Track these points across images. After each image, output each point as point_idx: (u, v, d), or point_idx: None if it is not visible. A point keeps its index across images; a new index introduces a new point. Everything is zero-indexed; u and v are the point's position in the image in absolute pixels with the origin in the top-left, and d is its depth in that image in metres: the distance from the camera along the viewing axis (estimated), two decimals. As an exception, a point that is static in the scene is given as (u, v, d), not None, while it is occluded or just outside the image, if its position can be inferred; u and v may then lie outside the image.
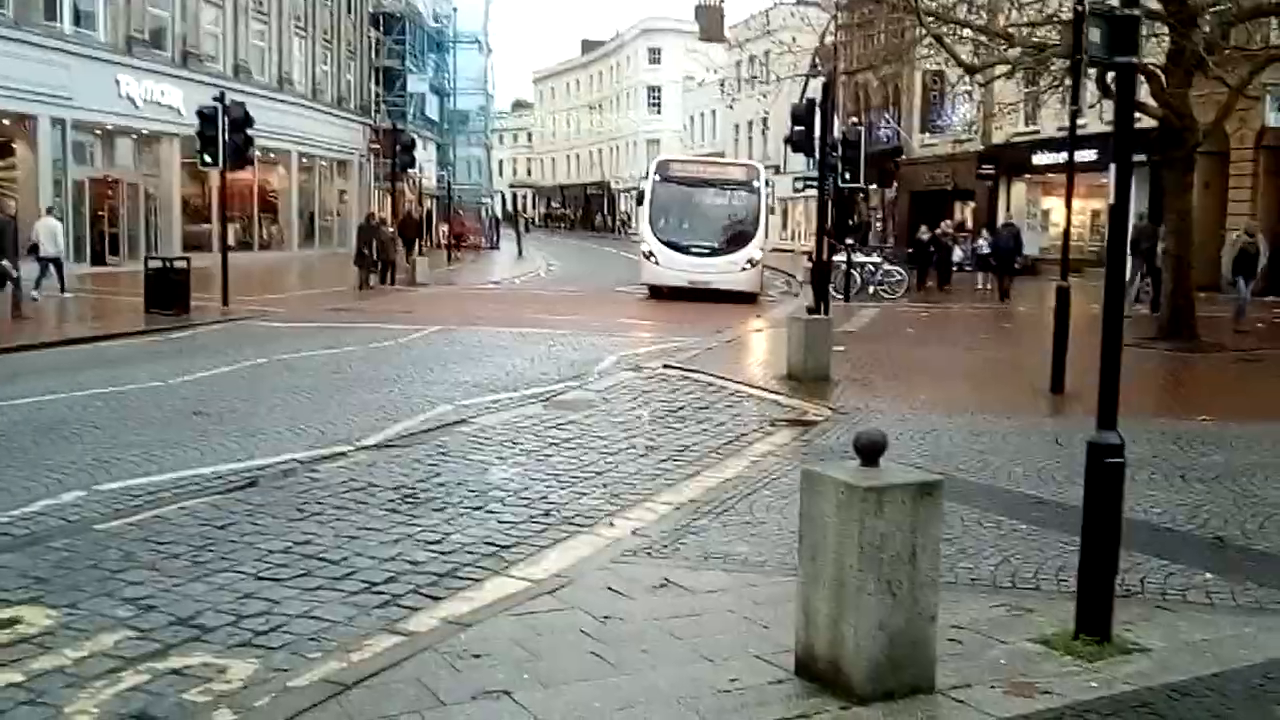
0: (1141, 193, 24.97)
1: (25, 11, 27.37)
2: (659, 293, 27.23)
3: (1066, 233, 15.32)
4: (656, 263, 27.31)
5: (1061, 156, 24.69)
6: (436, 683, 4.61)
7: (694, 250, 26.86)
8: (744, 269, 26.80)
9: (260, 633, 5.31)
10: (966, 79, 22.27)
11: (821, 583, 4.54)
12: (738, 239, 27.21)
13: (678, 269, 26.85)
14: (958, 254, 32.80)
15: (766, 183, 28.68)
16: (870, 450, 4.54)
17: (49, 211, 24.12)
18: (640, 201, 28.45)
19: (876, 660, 4.43)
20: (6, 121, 27.42)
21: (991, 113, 31.42)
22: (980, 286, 30.77)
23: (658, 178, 28.02)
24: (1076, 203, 14.77)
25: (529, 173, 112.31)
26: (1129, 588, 5.86)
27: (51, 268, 22.38)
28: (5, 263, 18.99)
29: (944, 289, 30.74)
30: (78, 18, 30.13)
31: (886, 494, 4.40)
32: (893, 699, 4.43)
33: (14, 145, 28.11)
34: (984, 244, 31.83)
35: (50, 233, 22.56)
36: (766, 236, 28.76)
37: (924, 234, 32.07)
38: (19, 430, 9.93)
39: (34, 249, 22.21)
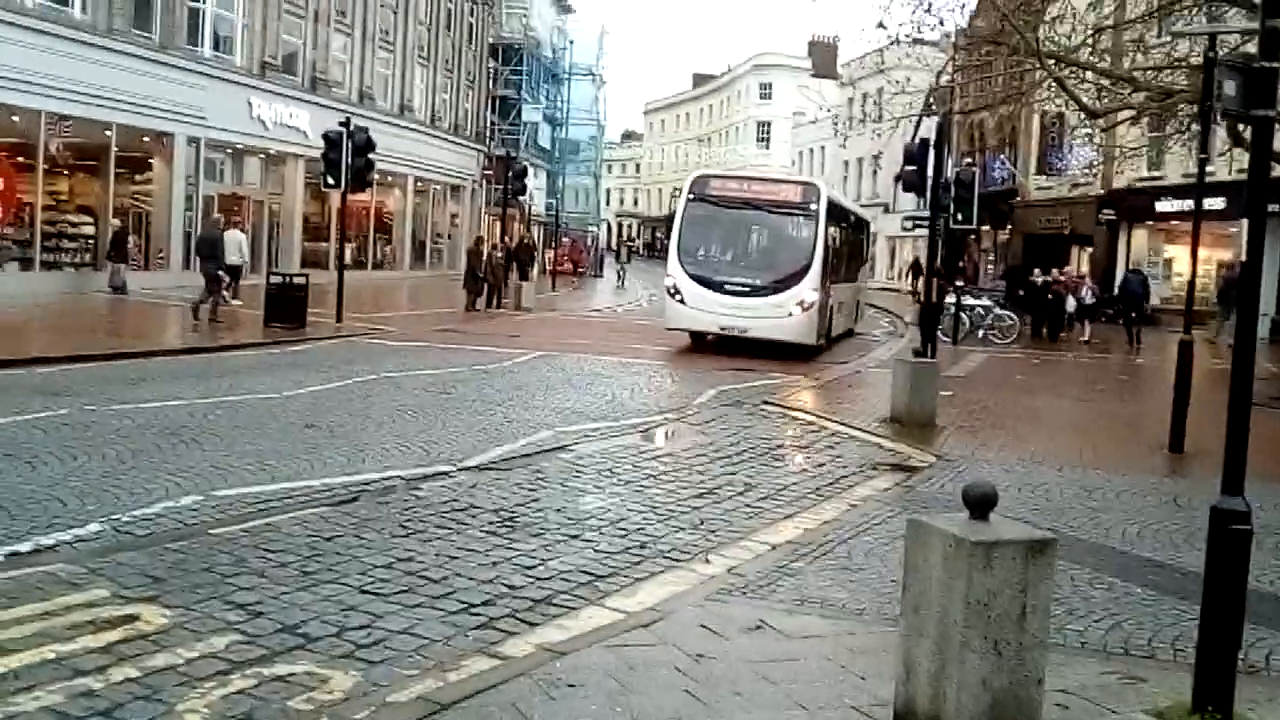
0: (1277, 245, 24.15)
1: (170, 36, 28.57)
2: (700, 338, 22.26)
3: (1191, 283, 14.83)
4: (682, 301, 21.57)
5: (1187, 204, 23.99)
6: (531, 710, 4.64)
7: (729, 288, 21.01)
8: (791, 314, 20.78)
9: (362, 645, 5.41)
10: (1088, 122, 21.85)
11: (924, 636, 4.46)
12: (787, 276, 21.08)
13: (708, 310, 21.13)
14: (1071, 303, 30.31)
15: (830, 205, 22.22)
16: (980, 503, 4.46)
17: (235, 224, 25.23)
18: (669, 226, 23.66)
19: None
20: (147, 139, 28.58)
21: (1113, 156, 30.65)
22: (1087, 339, 29.01)
23: (691, 196, 22.29)
24: (1202, 252, 14.31)
25: (635, 203, 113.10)
26: (1253, 664, 5.64)
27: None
28: (221, 270, 21.12)
29: (1056, 339, 29.34)
30: (217, 43, 31.35)
31: (996, 550, 4.31)
32: (993, 759, 4.33)
33: (152, 161, 29.29)
34: (1088, 294, 30.23)
35: (236, 243, 23.50)
36: (828, 272, 22.07)
37: (1037, 278, 31.16)
38: (143, 433, 10.30)
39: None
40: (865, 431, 12.93)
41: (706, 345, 21.75)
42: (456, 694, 4.77)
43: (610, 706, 4.71)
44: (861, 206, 62.83)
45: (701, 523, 8.32)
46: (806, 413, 14.09)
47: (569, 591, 6.47)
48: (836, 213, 23.55)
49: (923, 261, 54.95)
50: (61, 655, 5.04)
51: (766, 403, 14.77)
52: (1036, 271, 31.80)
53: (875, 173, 57.78)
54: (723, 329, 21.12)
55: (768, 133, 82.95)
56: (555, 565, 6.96)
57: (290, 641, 5.40)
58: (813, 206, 21.45)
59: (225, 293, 22.01)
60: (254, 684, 4.90)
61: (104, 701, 4.63)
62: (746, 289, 20.89)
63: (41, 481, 8.25)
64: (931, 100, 30.15)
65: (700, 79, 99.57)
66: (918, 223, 31.60)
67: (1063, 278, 31.02)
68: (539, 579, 6.67)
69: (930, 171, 18.70)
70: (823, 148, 66.31)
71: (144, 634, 5.37)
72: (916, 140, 19.56)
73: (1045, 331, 29.71)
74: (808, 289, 20.87)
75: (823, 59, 74.21)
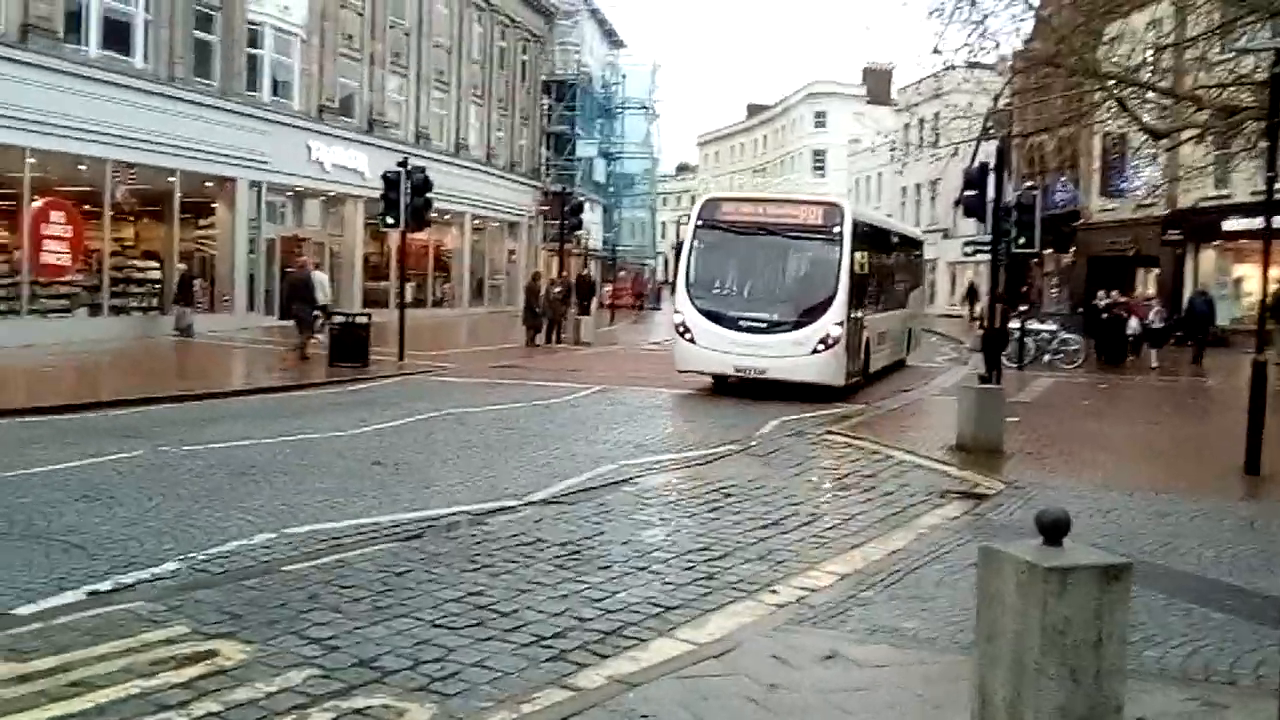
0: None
1: (229, 82, 29.30)
2: (722, 380, 19.65)
3: (1263, 303, 14.56)
4: (692, 340, 19.13)
5: (1256, 222, 23.46)
6: (606, 741, 4.67)
7: (744, 324, 18.64)
8: (816, 350, 18.31)
9: (437, 678, 5.47)
10: (1151, 142, 21.57)
11: (999, 664, 4.41)
12: (810, 309, 18.65)
13: (721, 350, 18.76)
14: (1134, 325, 29.13)
15: (858, 225, 19.49)
16: (1053, 529, 4.42)
17: (317, 266, 25.83)
18: (678, 256, 20.57)
19: (1057, 748, 4.27)
20: (209, 184, 29.27)
21: (1177, 176, 30.18)
22: (1156, 365, 27.88)
23: (700, 222, 19.82)
24: (1273, 270, 14.05)
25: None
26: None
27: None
28: (316, 311, 22.07)
29: (1120, 363, 28.54)
30: (275, 87, 32.07)
31: (1071, 576, 4.26)
32: (1073, 790, 4.27)
33: (215, 205, 29.97)
34: (1156, 317, 29.19)
35: (321, 284, 24.01)
36: (861, 301, 19.80)
37: (1101, 300, 30.61)
38: (215, 472, 10.51)
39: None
40: (931, 459, 12.81)
41: (745, 384, 19.18)
42: (531, 726, 4.80)
43: (684, 738, 4.72)
44: (923, 231, 62.20)
45: (769, 553, 8.29)
46: (871, 442, 13.99)
47: (638, 623, 6.49)
48: (868, 234, 20.76)
49: (979, 287, 54.76)
50: (145, 690, 5.16)
51: (830, 433, 14.69)
52: (1100, 294, 31.33)
53: (934, 198, 57.42)
54: (738, 370, 18.64)
55: (823, 161, 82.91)
56: (624, 597, 6.98)
57: (366, 675, 5.47)
58: (836, 229, 18.68)
59: (319, 335, 22.37)
60: (332, 717, 4.98)
61: (187, 736, 4.72)
62: (763, 325, 18.47)
63: (118, 522, 8.45)
64: (989, 124, 29.96)
65: (754, 109, 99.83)
66: (979, 248, 31.08)
67: (1123, 300, 30.38)
68: (608, 611, 6.70)
69: (990, 195, 18.60)
70: (879, 175, 66.19)
71: (223, 669, 5.47)
72: (976, 164, 19.46)
73: (1104, 356, 28.91)
74: (832, 323, 18.24)
75: (877, 86, 74.00)
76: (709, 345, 18.75)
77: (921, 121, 50.42)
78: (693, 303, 19.11)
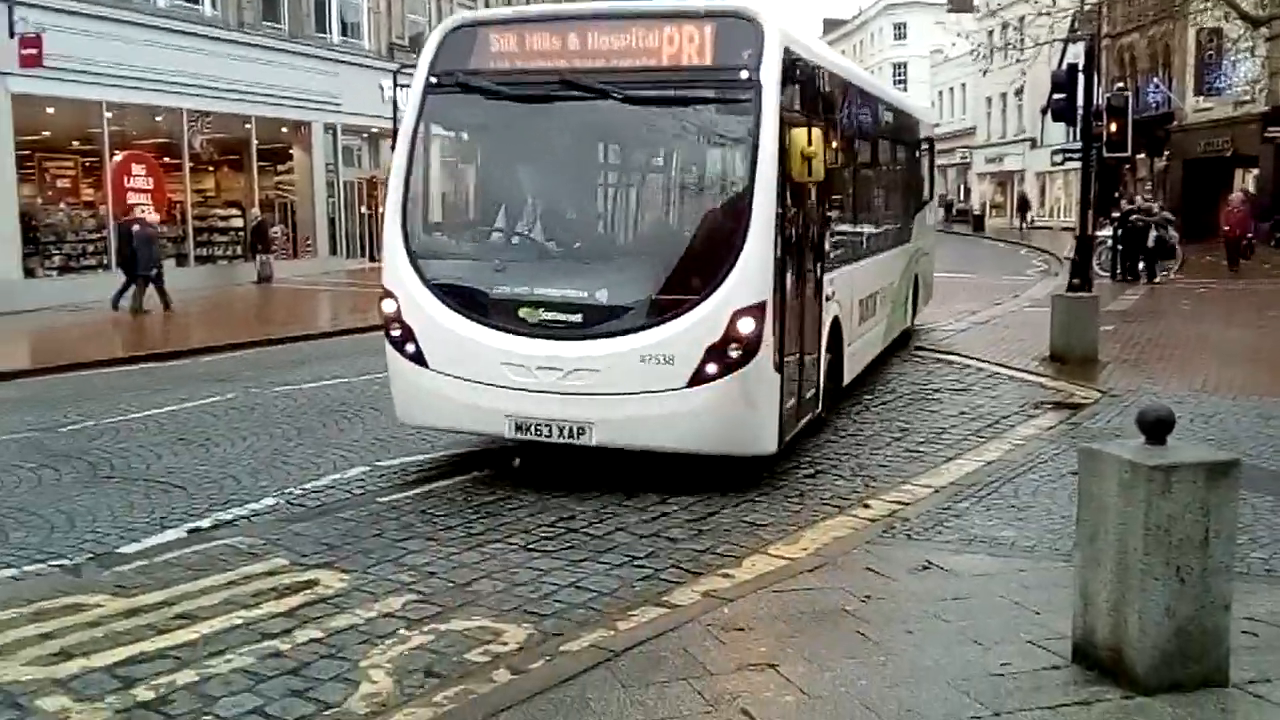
0: None
1: (298, 25, 29.40)
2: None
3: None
4: (420, 358, 7.93)
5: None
6: (702, 653, 4.66)
7: (532, 317, 7.60)
8: (701, 376, 7.26)
9: (531, 599, 5.52)
10: (1249, 33, 20.56)
11: (1102, 566, 4.30)
12: (685, 272, 7.57)
13: (484, 382, 7.63)
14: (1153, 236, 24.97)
15: (793, 71, 7.92)
16: (1157, 427, 4.26)
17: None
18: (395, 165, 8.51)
19: (1163, 649, 4.16)
20: (285, 129, 29.53)
21: (1278, 70, 28.79)
22: (1154, 280, 24.10)
23: (433, 80, 8.22)
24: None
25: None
26: None
27: None
28: None
29: (1128, 278, 24.70)
30: (345, 28, 32.10)
31: (1176, 473, 4.11)
32: (1181, 690, 4.16)
33: (292, 151, 30.27)
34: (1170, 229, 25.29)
35: None
36: (801, 247, 8.31)
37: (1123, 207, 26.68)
38: (306, 411, 10.71)
39: None
40: (1025, 371, 12.55)
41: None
42: (628, 641, 4.82)
43: (781, 648, 4.69)
44: (1007, 143, 59.83)
45: (861, 469, 8.22)
46: (961, 355, 13.73)
47: (731, 541, 6.47)
48: (824, 96, 9.15)
49: (1029, 196, 52.93)
50: (249, 620, 5.29)
51: (919, 348, 14.45)
52: (1123, 202, 28.18)
53: (1020, 106, 55.75)
54: (520, 429, 7.66)
55: (904, 74, 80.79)
56: (715, 518, 6.96)
57: (461, 598, 5.54)
58: (744, 78, 7.59)
59: None
60: (431, 639, 5.05)
61: (291, 661, 4.84)
62: (574, 316, 7.61)
63: (215, 461, 8.66)
64: (1076, 25, 28.83)
65: (830, 24, 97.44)
66: (1068, 155, 30.00)
67: (1146, 207, 26.37)
68: (701, 531, 6.69)
69: (1080, 99, 17.96)
70: (963, 85, 64.49)
71: (324, 597, 5.59)
72: (1064, 67, 18.79)
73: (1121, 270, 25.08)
74: (740, 302, 7.31)
75: (958, -8, 71.78)
76: (451, 368, 7.80)
77: (1005, 25, 48.79)
78: (417, 270, 8.00)
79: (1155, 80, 43.44)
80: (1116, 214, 26.50)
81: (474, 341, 7.63)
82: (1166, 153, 44.24)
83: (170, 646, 5.00)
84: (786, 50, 7.79)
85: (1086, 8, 27.07)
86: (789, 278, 7.76)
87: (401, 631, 5.14)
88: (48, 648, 4.97)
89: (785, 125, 7.48)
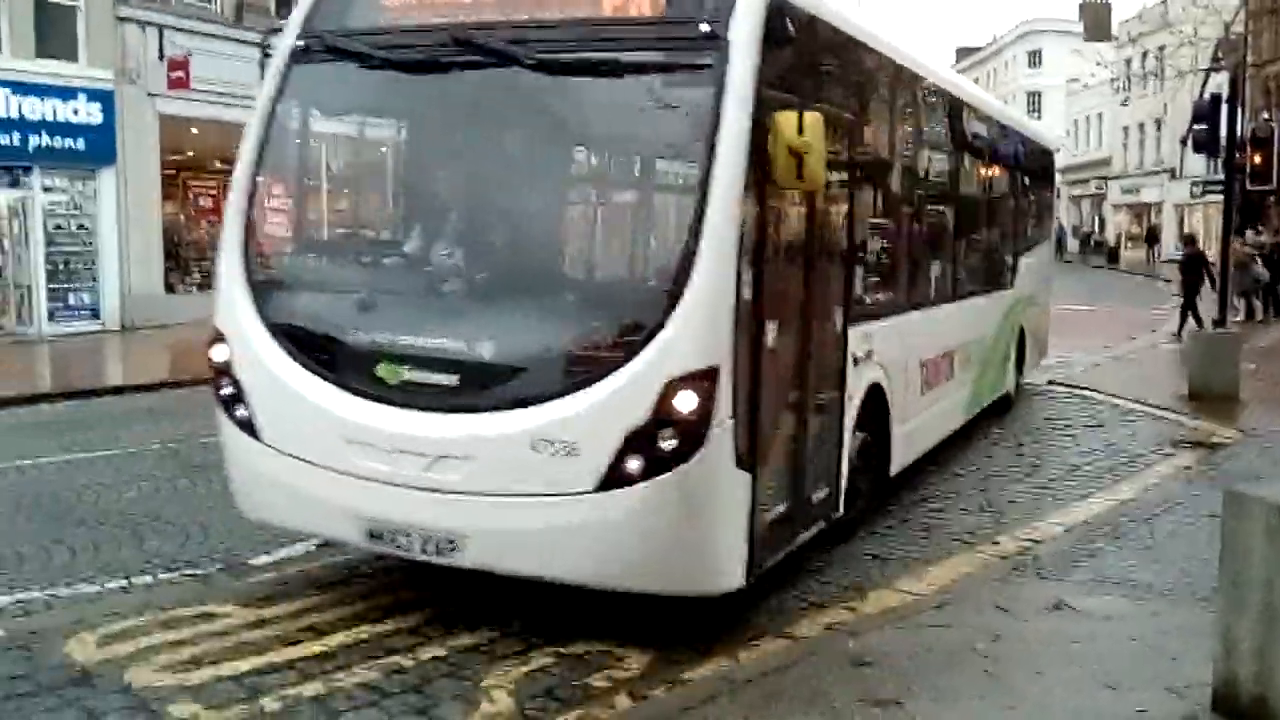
0: None
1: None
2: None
3: None
4: (251, 426, 5.61)
5: None
6: (826, 687, 4.62)
7: (401, 386, 5.26)
8: (613, 477, 4.85)
9: (653, 625, 5.47)
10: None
11: (1246, 613, 4.15)
12: (603, 316, 5.26)
13: (327, 465, 5.35)
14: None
15: (788, 28, 5.28)
16: (1306, 469, 4.09)
17: None
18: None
19: (1311, 701, 3.99)
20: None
21: None
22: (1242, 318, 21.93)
23: (302, 44, 5.88)
24: None
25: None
26: None
27: None
28: None
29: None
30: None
31: (1328, 519, 3.95)
32: (1329, 745, 3.97)
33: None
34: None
35: None
36: (807, 278, 5.90)
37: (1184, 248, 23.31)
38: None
39: None
40: (1161, 408, 12.16)
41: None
42: (751, 672, 4.80)
43: (906, 685, 4.63)
44: (1145, 174, 57.91)
45: (990, 504, 8.06)
46: (1096, 391, 13.37)
47: (857, 574, 6.41)
48: (840, 66, 6.61)
49: (1159, 230, 50.95)
50: (374, 635, 5.40)
51: (1052, 383, 14.10)
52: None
53: (1158, 137, 54.09)
54: (378, 539, 5.39)
55: (1038, 103, 79.13)
56: (842, 549, 6.89)
57: (584, 620, 5.55)
58: (708, 28, 5.11)
59: None
60: (552, 661, 5.09)
61: (413, 678, 4.93)
62: (449, 381, 5.22)
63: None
64: (1220, 53, 27.90)
65: (964, 52, 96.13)
66: (1208, 187, 28.88)
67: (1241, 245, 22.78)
68: (827, 562, 6.62)
69: (1223, 130, 17.35)
70: (1099, 115, 62.86)
71: (446, 614, 5.66)
72: (1206, 96, 18.21)
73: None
74: (682, 359, 4.83)
75: (1095, 20, 70.01)
76: (294, 447, 5.52)
77: (1145, 54, 47.50)
78: (257, 306, 5.74)
79: (1304, 109, 41.69)
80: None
81: (316, 408, 5.35)
82: (1315, 185, 42.24)
83: (297, 658, 5.13)
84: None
85: (1231, 36, 26.16)
86: (771, 329, 5.30)
87: (523, 652, 5.20)
88: (179, 654, 5.14)
89: (765, 105, 5.07)
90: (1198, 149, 19.19)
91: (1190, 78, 24.08)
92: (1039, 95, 79.68)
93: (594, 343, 5.05)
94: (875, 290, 7.34)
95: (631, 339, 4.89)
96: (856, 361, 6.60)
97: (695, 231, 4.86)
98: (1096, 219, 64.18)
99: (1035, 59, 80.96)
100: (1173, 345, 18.63)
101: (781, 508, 5.66)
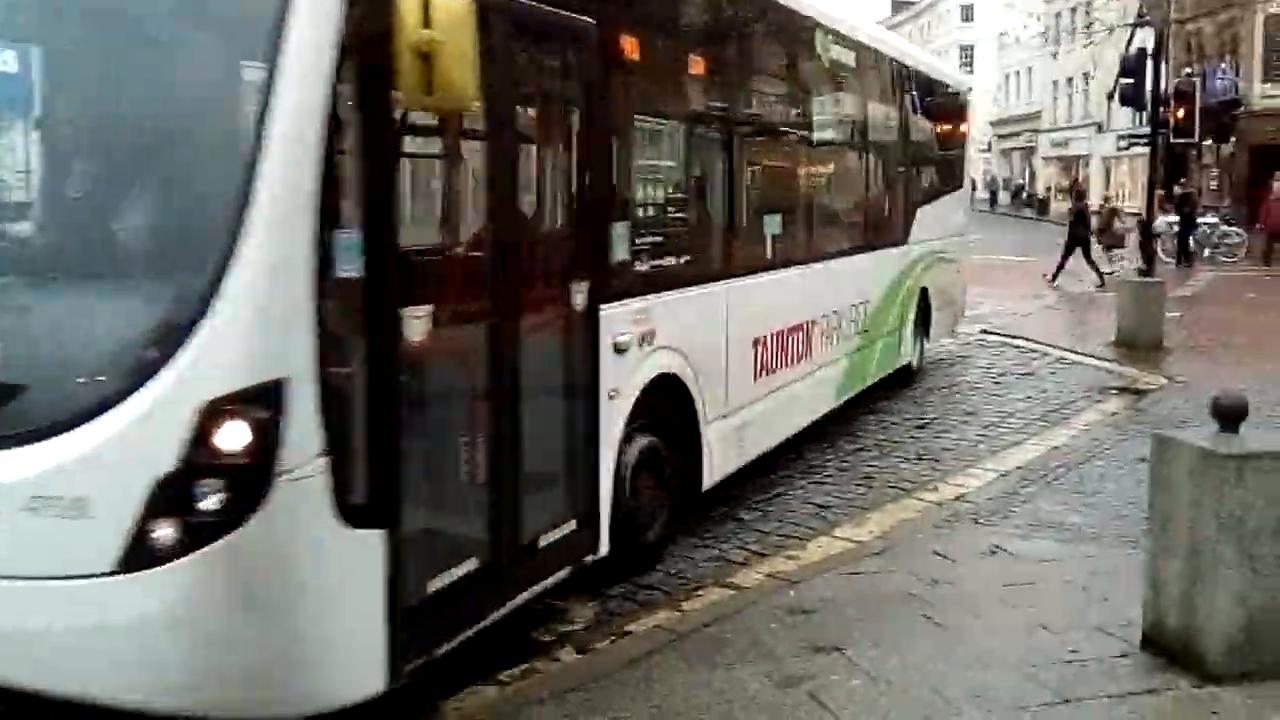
0: None
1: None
2: None
3: None
4: None
5: None
6: (769, 635, 4.70)
7: None
8: (162, 539, 3.27)
9: (595, 578, 5.54)
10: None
11: (1174, 554, 4.30)
12: (117, 317, 3.57)
13: None
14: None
15: None
16: (1231, 414, 4.24)
17: None
18: None
19: (1235, 638, 4.16)
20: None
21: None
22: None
23: None
24: None
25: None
26: None
27: None
28: None
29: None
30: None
31: (1250, 462, 4.10)
32: (1252, 679, 4.14)
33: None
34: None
35: None
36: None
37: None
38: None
39: None
40: (1090, 356, 12.46)
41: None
42: (694, 623, 4.87)
43: (848, 631, 4.73)
44: (1073, 128, 58.62)
45: (926, 453, 8.22)
46: (1026, 339, 13.66)
47: (797, 523, 6.52)
48: None
49: (1083, 185, 51.94)
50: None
51: (985, 331, 14.37)
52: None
53: (1086, 91, 54.82)
54: None
55: (971, 57, 79.72)
56: (782, 499, 7.01)
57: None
58: None
59: None
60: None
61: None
62: None
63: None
64: (1144, 8, 28.31)
65: (899, 5, 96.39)
66: (1134, 140, 29.38)
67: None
68: (767, 512, 6.73)
69: (1149, 84, 17.66)
70: (1029, 69, 63.48)
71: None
72: (1133, 51, 18.50)
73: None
74: (226, 372, 3.31)
75: (1026, -26, 70.61)
76: None
77: (1074, 9, 47.95)
78: None
79: (1222, 66, 42.53)
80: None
81: None
82: (1233, 139, 43.31)
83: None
84: None
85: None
86: (417, 317, 3.80)
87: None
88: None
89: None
90: (1124, 103, 19.58)
91: (1118, 32, 24.42)
92: (971, 49, 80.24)
93: (105, 352, 3.49)
94: (660, 254, 5.74)
95: (153, 346, 3.36)
96: (621, 349, 5.14)
97: (243, 181, 3.30)
98: (1027, 172, 65.02)
99: (968, 13, 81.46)
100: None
101: (464, 568, 4.12)
